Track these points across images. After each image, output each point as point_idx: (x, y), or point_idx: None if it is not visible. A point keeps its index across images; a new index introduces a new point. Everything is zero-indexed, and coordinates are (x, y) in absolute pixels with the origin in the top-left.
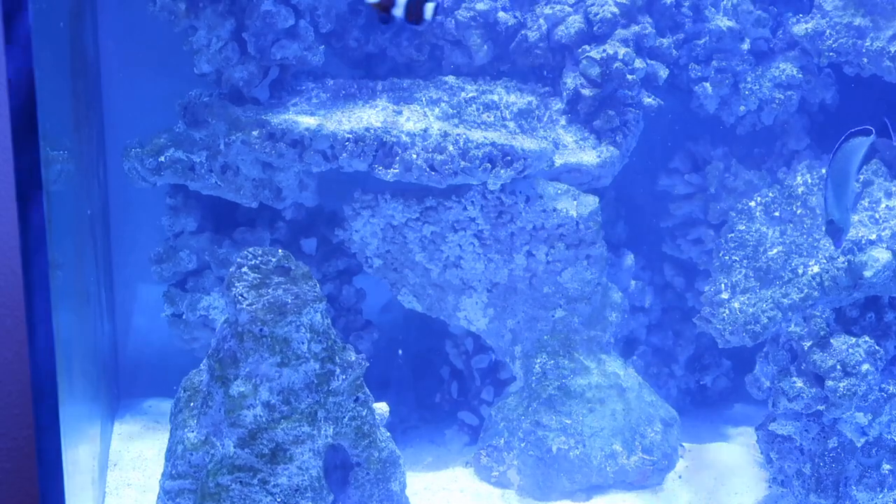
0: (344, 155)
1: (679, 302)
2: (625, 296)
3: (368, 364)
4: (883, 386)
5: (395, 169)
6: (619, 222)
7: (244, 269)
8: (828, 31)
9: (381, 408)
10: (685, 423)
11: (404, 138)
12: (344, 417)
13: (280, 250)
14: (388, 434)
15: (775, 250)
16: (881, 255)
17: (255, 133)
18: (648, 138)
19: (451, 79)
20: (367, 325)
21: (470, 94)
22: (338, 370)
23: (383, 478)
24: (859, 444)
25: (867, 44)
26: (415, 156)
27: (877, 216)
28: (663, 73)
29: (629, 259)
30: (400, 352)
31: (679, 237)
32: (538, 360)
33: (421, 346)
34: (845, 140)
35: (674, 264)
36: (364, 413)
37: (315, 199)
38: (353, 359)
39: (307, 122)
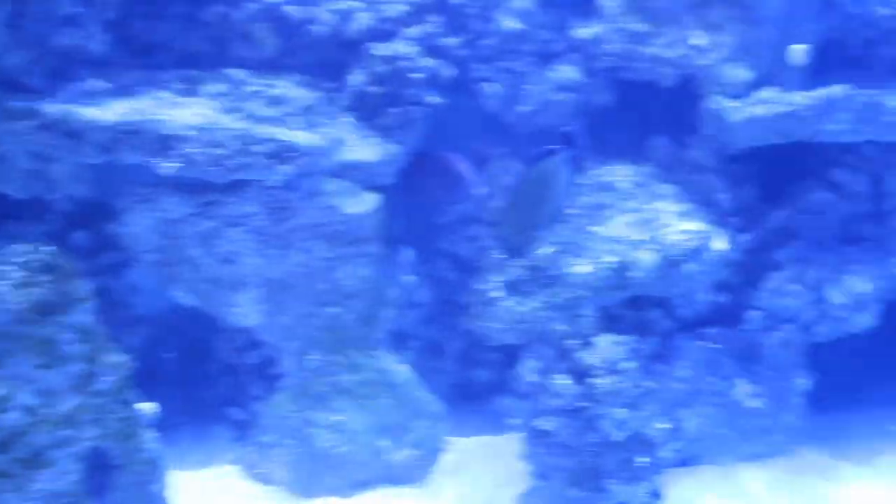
0: (122, 147)
1: (453, 296)
2: (401, 290)
3: (135, 365)
4: (642, 382)
5: (174, 163)
6: (398, 217)
7: (8, 267)
8: (608, 36)
9: (148, 408)
10: (454, 416)
11: (185, 131)
12: (108, 419)
13: (48, 247)
14: (154, 435)
15: (548, 249)
16: (648, 257)
17: (27, 122)
18: (432, 135)
19: (237, 71)
20: (138, 319)
21: (255, 88)
22: (104, 371)
23: (146, 480)
24: (618, 439)
25: (645, 49)
26: (195, 150)
27: (646, 217)
28: (449, 72)
29: (406, 254)
30: (170, 347)
31: (455, 233)
32: (310, 357)
33: (192, 341)
34: (534, 163)
35: (449, 260)
36: (129, 414)
37: (90, 191)
38: (120, 359)
39: (84, 112)
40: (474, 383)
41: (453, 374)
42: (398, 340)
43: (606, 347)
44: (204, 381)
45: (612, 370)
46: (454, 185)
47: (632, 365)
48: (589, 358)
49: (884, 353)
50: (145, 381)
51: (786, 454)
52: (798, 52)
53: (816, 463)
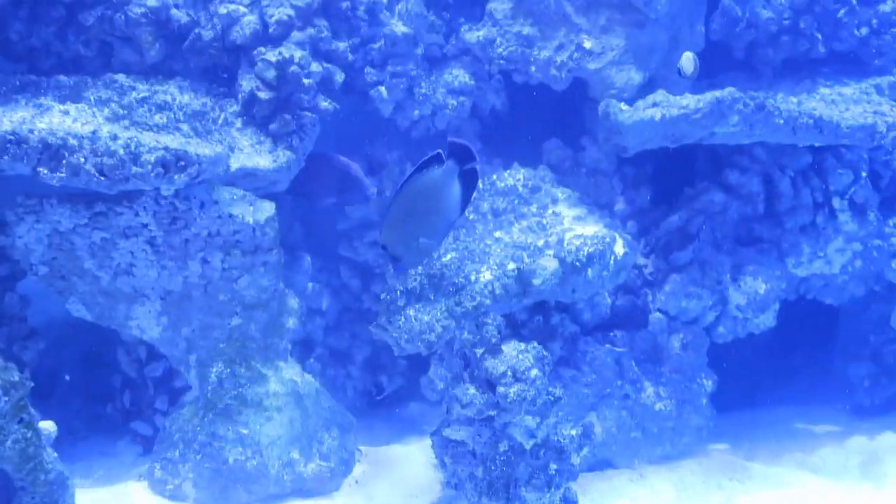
0: (5, 157)
1: (356, 303)
2: (302, 298)
3: (32, 384)
4: (550, 389)
5: (61, 173)
6: (296, 223)
7: None
8: (498, 40)
9: (48, 427)
10: (362, 423)
11: (71, 141)
12: (7, 441)
13: None
14: (55, 454)
15: (449, 256)
16: (549, 263)
17: None
18: (327, 140)
19: (121, 77)
20: (32, 333)
21: (142, 94)
22: None
23: (50, 501)
24: (528, 447)
25: (535, 53)
26: (83, 160)
27: (544, 222)
28: (339, 76)
29: (306, 261)
30: (68, 360)
31: (355, 239)
32: (214, 370)
33: (92, 354)
34: (417, 172)
35: (350, 266)
36: (29, 435)
37: None
38: (17, 378)
39: None
40: (382, 388)
41: (360, 380)
42: (304, 349)
43: (512, 355)
44: (107, 394)
45: (519, 378)
46: (346, 188)
47: (539, 372)
48: (495, 366)
49: (783, 351)
50: (44, 396)
51: (695, 455)
52: (687, 60)
53: (725, 463)
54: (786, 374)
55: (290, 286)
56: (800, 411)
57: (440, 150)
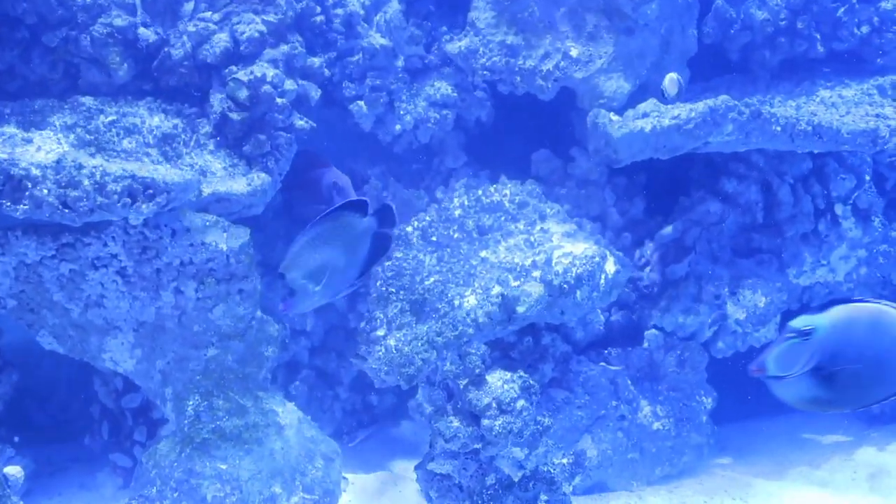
0: None
1: (342, 322)
2: (285, 320)
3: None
4: (538, 419)
5: (24, 205)
6: (279, 243)
7: None
8: (481, 50)
9: (15, 472)
10: (352, 446)
11: (34, 171)
12: None
13: None
14: (20, 501)
15: (432, 279)
16: (533, 288)
17: None
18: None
19: (88, 100)
20: (4, 366)
21: (110, 118)
22: None
23: None
24: (516, 479)
25: (520, 62)
26: (45, 191)
27: (532, 239)
28: (315, 93)
29: None
30: (44, 392)
31: None
32: (191, 402)
33: (69, 384)
34: (338, 211)
35: None
36: None
37: None
38: None
39: None
40: (373, 407)
41: (349, 401)
42: (289, 372)
43: (497, 386)
44: (85, 425)
45: (505, 410)
46: (331, 201)
47: (525, 402)
48: (479, 398)
49: None
50: (20, 428)
51: (695, 474)
52: (671, 82)
53: (728, 481)
54: None
55: (272, 307)
56: (806, 420)
57: (367, 200)
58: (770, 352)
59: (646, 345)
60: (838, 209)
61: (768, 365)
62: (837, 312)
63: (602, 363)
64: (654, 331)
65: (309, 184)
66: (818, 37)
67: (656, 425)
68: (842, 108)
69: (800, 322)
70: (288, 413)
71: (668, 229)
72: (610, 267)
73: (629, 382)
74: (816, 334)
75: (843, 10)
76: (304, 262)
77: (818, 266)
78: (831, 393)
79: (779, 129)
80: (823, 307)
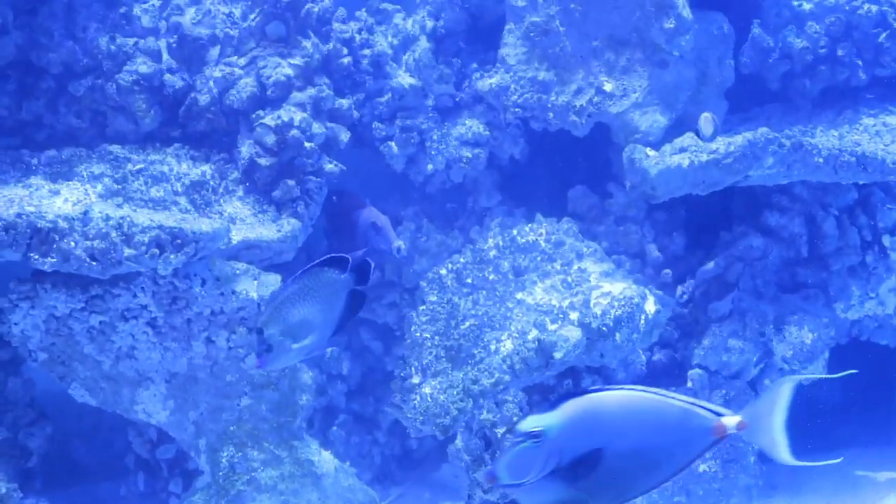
0: None
1: (379, 365)
2: (319, 369)
3: (21, 496)
4: None
5: (52, 258)
6: None
7: None
8: (512, 87)
9: None
10: (393, 489)
11: (61, 223)
12: None
13: None
14: None
15: (467, 324)
16: (571, 333)
17: None
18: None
19: (116, 148)
20: (38, 418)
21: (137, 166)
22: None
23: None
24: None
25: (552, 98)
26: (73, 244)
27: (569, 280)
28: (344, 135)
29: None
30: (79, 442)
31: (374, 300)
32: (225, 454)
33: (103, 434)
34: (318, 267)
35: (371, 328)
36: None
37: None
38: (3, 491)
39: None
40: (412, 451)
41: (388, 445)
42: (326, 417)
43: None
44: (120, 476)
45: None
46: (371, 240)
47: None
48: None
49: (838, 390)
50: (56, 479)
51: None
52: (706, 121)
53: None
54: (841, 415)
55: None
56: (858, 456)
57: (348, 257)
58: (500, 460)
59: (689, 384)
60: (886, 240)
61: (500, 475)
62: (571, 407)
63: None
64: (697, 370)
65: (346, 225)
66: (860, 63)
67: (703, 467)
68: (886, 137)
69: (528, 424)
70: (324, 462)
71: (709, 265)
72: (650, 307)
73: None
74: (549, 434)
75: (884, 35)
76: (282, 319)
77: (867, 299)
78: (583, 492)
79: (821, 160)
80: (554, 403)
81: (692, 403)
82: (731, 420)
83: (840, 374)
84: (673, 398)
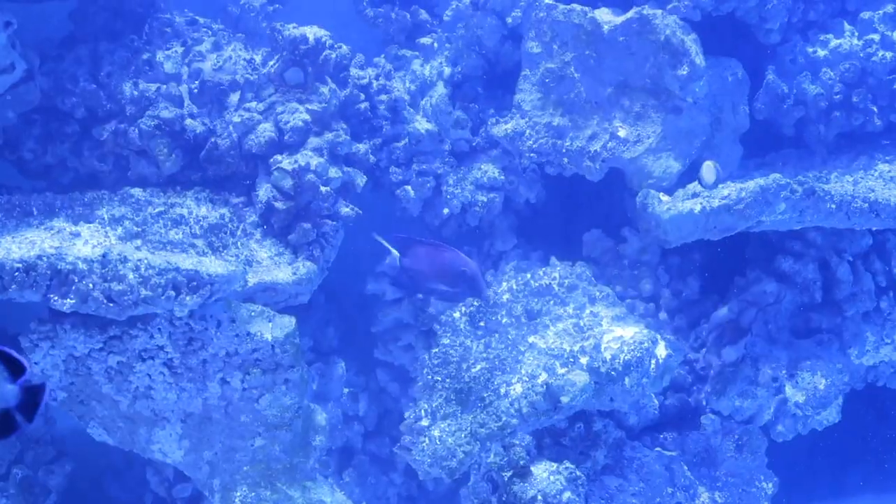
0: (13, 287)
1: (395, 406)
2: (337, 405)
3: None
4: None
5: (70, 300)
6: (329, 328)
7: None
8: (528, 132)
9: None
10: None
11: (80, 265)
12: None
13: None
14: None
15: (478, 367)
16: (578, 378)
17: None
18: (355, 241)
19: (138, 191)
20: (58, 456)
21: (158, 209)
22: None
23: None
24: None
25: (567, 143)
26: (91, 285)
27: (581, 324)
28: (361, 180)
29: (340, 367)
30: (98, 480)
31: (390, 342)
32: (238, 493)
33: (122, 473)
34: None
35: (387, 369)
36: None
37: None
38: None
39: None
40: (429, 493)
41: (404, 486)
42: (343, 457)
43: (543, 478)
44: None
45: (551, 502)
46: (463, 282)
47: (571, 495)
48: (524, 490)
49: (845, 441)
50: None
51: None
52: (708, 169)
53: None
54: (857, 460)
55: (325, 393)
56: (872, 501)
57: (22, 360)
58: None
59: (702, 429)
60: None
61: None
62: None
63: (657, 448)
64: (710, 415)
65: (441, 270)
66: (875, 110)
67: None
68: None
69: None
70: (337, 502)
71: (723, 310)
72: (661, 351)
73: (685, 468)
74: None
75: None
76: None
77: (882, 345)
78: None
79: (834, 206)
80: None
81: None
82: None
83: None
84: None
